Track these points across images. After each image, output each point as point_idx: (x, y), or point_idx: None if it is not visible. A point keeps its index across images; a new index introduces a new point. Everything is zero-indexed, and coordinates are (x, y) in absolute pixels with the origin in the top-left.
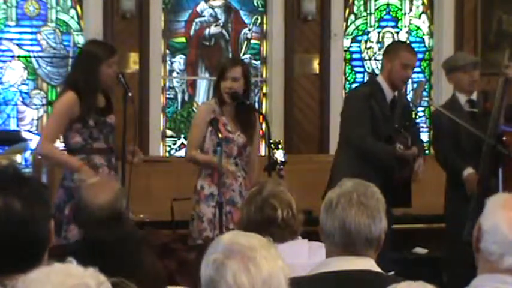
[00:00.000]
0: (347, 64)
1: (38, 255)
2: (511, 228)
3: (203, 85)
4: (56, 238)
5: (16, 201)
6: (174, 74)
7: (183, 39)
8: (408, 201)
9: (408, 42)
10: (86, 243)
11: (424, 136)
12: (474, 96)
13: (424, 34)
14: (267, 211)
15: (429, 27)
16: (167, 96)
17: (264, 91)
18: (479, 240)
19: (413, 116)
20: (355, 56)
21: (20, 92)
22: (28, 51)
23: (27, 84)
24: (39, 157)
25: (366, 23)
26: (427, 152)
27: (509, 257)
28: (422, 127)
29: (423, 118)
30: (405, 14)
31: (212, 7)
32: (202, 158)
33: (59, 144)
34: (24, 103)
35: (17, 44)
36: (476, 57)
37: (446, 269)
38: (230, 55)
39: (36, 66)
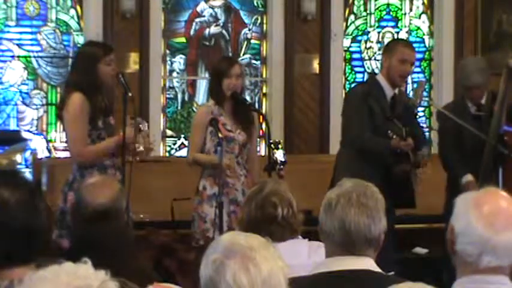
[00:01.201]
0: (347, 64)
1: (37, 246)
2: (485, 226)
3: (203, 85)
4: (68, 242)
5: (16, 192)
6: (174, 74)
7: (183, 39)
8: (412, 201)
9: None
10: (72, 240)
11: None
12: (483, 100)
13: (424, 34)
14: (267, 209)
15: (429, 27)
16: (167, 96)
17: (264, 91)
18: (454, 242)
19: (414, 112)
20: (355, 56)
21: (20, 92)
22: (28, 51)
23: (27, 84)
24: (80, 160)
25: (366, 23)
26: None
27: (487, 255)
28: (422, 127)
29: (423, 118)
30: (405, 14)
31: (212, 7)
32: (203, 159)
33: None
34: (24, 103)
35: (17, 44)
36: (480, 77)
37: (446, 269)
38: (230, 55)
39: (36, 66)
